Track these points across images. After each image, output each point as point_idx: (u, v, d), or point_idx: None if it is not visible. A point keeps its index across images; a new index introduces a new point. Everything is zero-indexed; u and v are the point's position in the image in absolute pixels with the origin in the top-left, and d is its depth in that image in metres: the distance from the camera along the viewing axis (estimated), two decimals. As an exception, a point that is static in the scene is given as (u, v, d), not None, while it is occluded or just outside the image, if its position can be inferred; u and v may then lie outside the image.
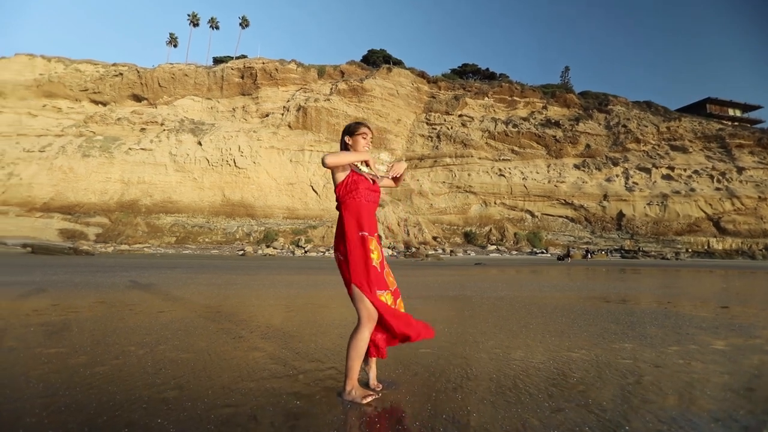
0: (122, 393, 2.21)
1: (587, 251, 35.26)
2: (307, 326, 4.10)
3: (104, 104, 44.00)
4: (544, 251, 38.07)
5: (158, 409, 1.99)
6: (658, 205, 41.56)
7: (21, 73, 44.12)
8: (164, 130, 41.26)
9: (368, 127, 2.27)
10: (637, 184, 42.91)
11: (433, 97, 49.46)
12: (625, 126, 46.20)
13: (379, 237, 2.26)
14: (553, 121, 46.76)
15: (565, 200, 43.02)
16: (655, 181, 43.01)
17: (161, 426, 1.81)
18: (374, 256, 2.10)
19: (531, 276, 13.04)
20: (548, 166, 44.95)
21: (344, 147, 2.26)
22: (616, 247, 39.35)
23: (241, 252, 31.56)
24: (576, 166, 44.90)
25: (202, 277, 10.40)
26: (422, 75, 50.09)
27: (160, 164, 38.96)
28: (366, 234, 2.11)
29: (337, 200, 2.21)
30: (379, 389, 2.22)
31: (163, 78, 44.28)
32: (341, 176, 2.16)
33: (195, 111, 44.84)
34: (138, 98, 44.56)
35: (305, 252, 32.10)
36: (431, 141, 47.45)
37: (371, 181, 2.19)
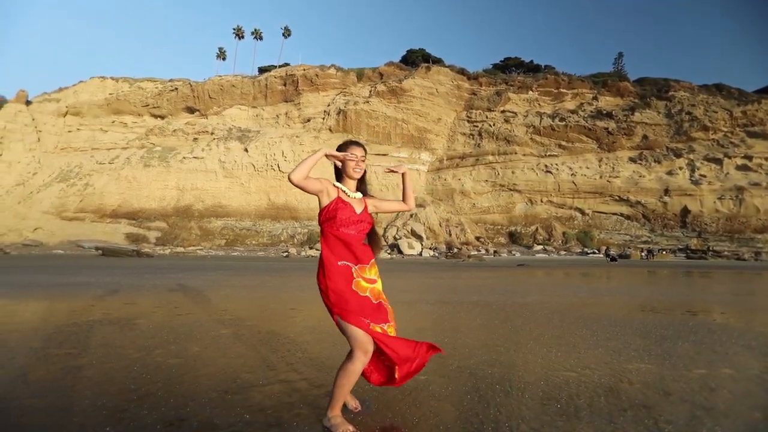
0: (94, 398, 2.29)
1: (649, 251, 32.43)
2: (306, 333, 4.07)
3: (162, 117, 47.77)
4: (596, 251, 35.63)
5: (114, 417, 2.02)
6: (731, 199, 37.30)
7: (95, 94, 49.15)
8: (214, 138, 43.96)
9: (360, 146, 2.03)
10: (704, 176, 38.79)
11: (474, 94, 48.16)
12: (689, 113, 41.98)
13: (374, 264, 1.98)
14: (604, 112, 43.63)
15: (619, 196, 39.95)
16: (728, 173, 38.63)
17: (106, 436, 1.83)
18: (363, 285, 1.87)
19: (572, 279, 12.19)
20: (600, 161, 42.00)
21: (335, 170, 2.08)
22: (680, 247, 35.85)
23: (285, 254, 32.69)
24: (632, 160, 41.54)
25: (236, 279, 10.85)
26: (462, 72, 48.98)
27: (211, 171, 41.52)
28: (347, 263, 1.88)
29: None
30: (357, 410, 2.04)
31: (213, 90, 47.18)
32: (325, 201, 1.94)
33: (242, 119, 47.30)
34: (191, 110, 47.86)
35: (345, 253, 32.53)
36: (473, 139, 46.25)
37: (357, 211, 1.96)
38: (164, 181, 41.11)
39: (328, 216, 1.91)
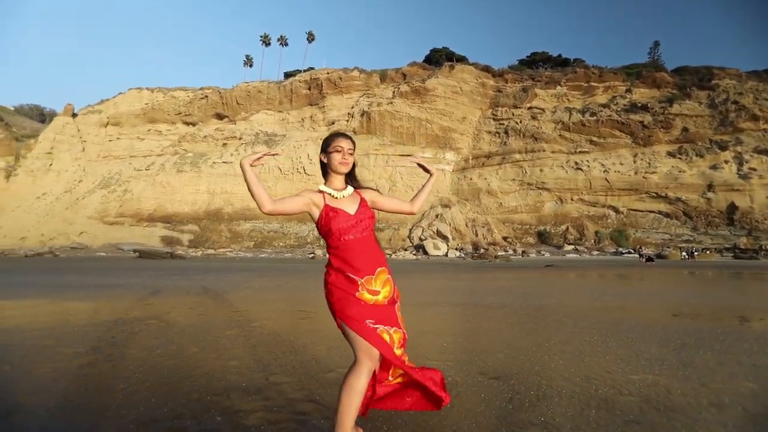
0: (83, 396, 2.36)
1: (692, 251, 30.48)
2: (306, 335, 4.06)
3: (193, 124, 49.82)
4: (632, 251, 33.91)
5: (94, 416, 2.07)
6: (787, 193, 34.54)
7: (132, 104, 51.96)
8: (242, 143, 45.38)
9: (347, 138, 1.83)
10: (755, 170, 36.05)
11: (500, 91, 47.10)
12: (736, 102, 39.17)
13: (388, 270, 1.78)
14: (639, 104, 41.47)
15: (656, 193, 37.83)
16: (782, 165, 35.78)
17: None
18: (368, 297, 1.68)
19: (601, 280, 11.62)
20: (634, 156, 39.95)
21: (322, 167, 1.87)
22: (727, 246, 33.45)
23: (311, 255, 33.20)
24: (670, 154, 39.23)
25: (258, 280, 11.08)
26: (487, 69, 48.06)
27: (239, 175, 42.42)
28: (351, 275, 1.69)
29: None
30: None
31: (241, 96, 48.71)
32: (315, 212, 1.76)
33: (268, 124, 48.56)
34: (220, 116, 49.64)
35: (369, 254, 32.64)
36: (498, 137, 45.25)
37: (350, 212, 1.75)
38: (196, 185, 42.83)
39: (323, 231, 1.76)
